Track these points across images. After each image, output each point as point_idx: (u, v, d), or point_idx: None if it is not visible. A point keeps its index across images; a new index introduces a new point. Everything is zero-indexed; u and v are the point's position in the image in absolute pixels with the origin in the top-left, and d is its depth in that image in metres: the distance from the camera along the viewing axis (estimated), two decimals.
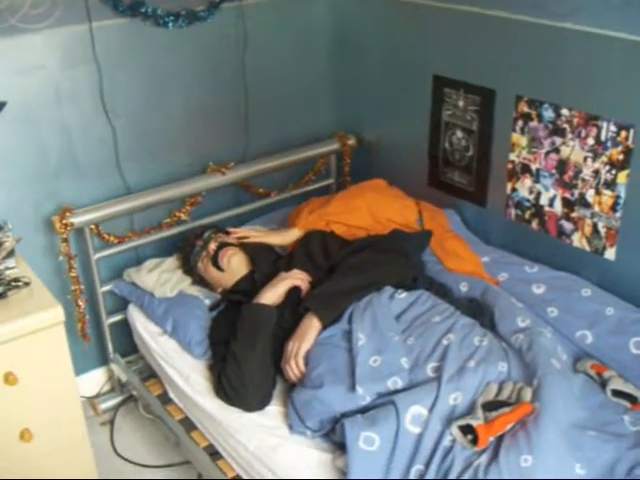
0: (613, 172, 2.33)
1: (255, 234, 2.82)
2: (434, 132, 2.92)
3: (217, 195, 3.07)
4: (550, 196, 2.55)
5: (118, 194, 2.88)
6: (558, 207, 2.54)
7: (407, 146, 3.10)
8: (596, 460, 1.86)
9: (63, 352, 2.24)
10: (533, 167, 2.57)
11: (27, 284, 2.25)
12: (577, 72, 2.35)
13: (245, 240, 2.77)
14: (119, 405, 3.11)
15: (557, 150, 2.47)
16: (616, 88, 2.26)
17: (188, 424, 2.59)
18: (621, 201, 2.34)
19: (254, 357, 2.28)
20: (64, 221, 2.64)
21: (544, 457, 1.81)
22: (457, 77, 2.74)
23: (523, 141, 2.57)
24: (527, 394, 1.96)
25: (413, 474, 1.89)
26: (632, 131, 2.24)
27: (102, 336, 3.01)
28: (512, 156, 2.63)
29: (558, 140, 2.46)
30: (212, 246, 2.69)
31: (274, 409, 2.30)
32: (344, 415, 2.04)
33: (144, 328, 2.77)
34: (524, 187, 2.62)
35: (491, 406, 1.95)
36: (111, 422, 3.06)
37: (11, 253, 2.33)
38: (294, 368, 2.22)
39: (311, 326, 2.25)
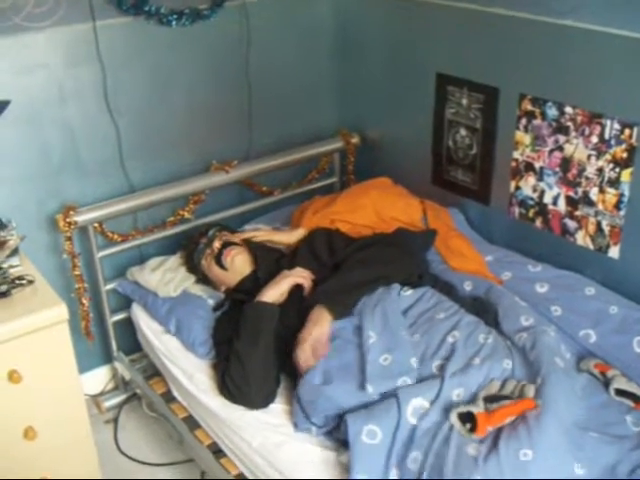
0: (617, 170, 2.33)
1: (261, 233, 2.83)
2: (437, 130, 2.92)
3: (220, 193, 3.08)
4: (554, 194, 2.55)
5: (122, 192, 2.88)
6: (562, 205, 2.54)
7: (411, 144, 3.10)
8: (596, 461, 1.86)
9: (67, 350, 2.23)
10: (537, 165, 2.57)
11: (31, 282, 2.26)
12: (581, 70, 2.34)
13: (251, 239, 2.77)
14: (123, 403, 3.11)
15: (561, 148, 2.47)
16: (620, 86, 2.26)
17: (192, 422, 2.59)
18: (625, 199, 2.34)
19: (257, 355, 2.28)
20: (68, 219, 2.64)
21: (544, 453, 1.81)
22: (460, 75, 2.74)
23: (527, 139, 2.57)
24: (530, 391, 1.96)
25: (410, 461, 1.89)
26: (636, 129, 2.24)
27: (106, 334, 3.01)
28: (516, 154, 2.63)
29: (562, 138, 2.46)
30: (216, 244, 2.68)
31: (278, 407, 2.30)
32: (348, 411, 2.04)
33: (148, 326, 2.77)
34: (528, 185, 2.62)
35: (492, 399, 1.96)
36: (115, 420, 3.06)
37: (15, 251, 2.33)
38: (306, 351, 2.20)
39: (321, 316, 2.25)
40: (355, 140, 3.28)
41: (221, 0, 2.84)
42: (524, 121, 2.55)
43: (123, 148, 2.86)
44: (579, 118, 2.38)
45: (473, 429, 1.89)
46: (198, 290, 2.76)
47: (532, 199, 2.63)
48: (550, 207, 2.58)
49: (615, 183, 2.34)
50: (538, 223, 2.64)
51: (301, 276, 2.47)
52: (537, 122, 2.51)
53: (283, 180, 3.27)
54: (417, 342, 2.18)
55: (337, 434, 2.09)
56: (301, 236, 2.77)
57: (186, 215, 3.01)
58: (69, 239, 2.68)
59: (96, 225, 2.78)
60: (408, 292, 2.35)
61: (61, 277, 2.83)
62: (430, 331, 2.20)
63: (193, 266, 2.77)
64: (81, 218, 2.68)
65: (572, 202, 2.50)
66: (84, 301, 2.83)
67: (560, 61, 2.39)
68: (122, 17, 2.69)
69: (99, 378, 3.16)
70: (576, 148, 2.42)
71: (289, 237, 2.79)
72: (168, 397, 2.73)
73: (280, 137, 3.24)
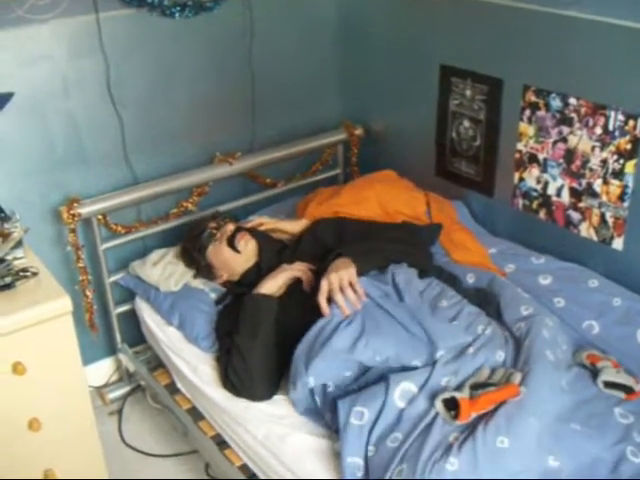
0: (621, 162, 2.32)
1: (266, 221, 2.82)
2: (441, 122, 2.91)
3: (224, 185, 3.07)
4: (558, 186, 2.54)
5: (125, 184, 2.88)
6: (566, 197, 2.53)
7: (414, 136, 3.10)
8: (575, 454, 1.84)
9: (71, 342, 2.24)
10: (540, 157, 2.56)
11: (35, 274, 2.26)
12: (585, 61, 2.34)
13: (258, 227, 2.77)
14: (127, 395, 3.12)
15: (565, 139, 2.47)
16: (624, 77, 2.25)
17: (196, 413, 2.60)
18: (629, 191, 2.33)
19: (257, 347, 2.29)
20: (72, 211, 2.64)
21: (520, 442, 1.80)
22: (464, 66, 2.73)
23: (530, 130, 2.56)
24: (516, 378, 1.95)
25: (390, 440, 1.89)
26: None
27: (110, 326, 3.02)
28: (519, 146, 2.62)
29: (566, 129, 2.45)
30: (230, 227, 2.67)
31: (282, 398, 2.29)
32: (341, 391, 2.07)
33: (151, 319, 2.77)
34: (531, 177, 2.62)
35: (479, 386, 1.96)
36: (119, 412, 3.07)
37: (19, 243, 2.33)
38: (350, 294, 2.17)
39: (348, 263, 2.24)
40: (359, 132, 3.27)
41: None
42: (528, 112, 2.55)
43: (126, 140, 2.86)
44: (583, 109, 2.37)
45: (457, 415, 1.88)
46: (199, 283, 2.75)
47: (536, 190, 2.62)
48: (554, 198, 2.57)
49: (619, 174, 2.34)
50: (542, 215, 2.63)
51: (299, 270, 2.47)
52: (541, 113, 2.51)
53: (287, 172, 3.27)
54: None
55: (334, 424, 2.09)
56: (306, 226, 2.77)
57: (190, 207, 3.01)
58: (73, 231, 2.69)
59: (100, 217, 2.78)
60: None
61: (65, 269, 2.84)
62: (431, 317, 2.21)
63: (192, 256, 2.72)
64: (85, 210, 2.68)
65: (576, 193, 2.49)
66: (88, 293, 2.83)
67: (564, 52, 2.38)
68: (125, 9, 2.68)
69: (103, 370, 3.17)
70: (580, 139, 2.42)
71: (294, 226, 2.79)
72: (172, 389, 2.73)
73: (284, 129, 3.24)
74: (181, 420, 2.67)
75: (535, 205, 2.64)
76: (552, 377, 1.98)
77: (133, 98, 2.82)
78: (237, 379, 2.30)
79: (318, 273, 2.41)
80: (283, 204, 3.19)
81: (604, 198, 2.41)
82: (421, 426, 1.89)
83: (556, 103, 2.45)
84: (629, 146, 2.28)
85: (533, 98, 2.51)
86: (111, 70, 2.72)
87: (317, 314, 2.21)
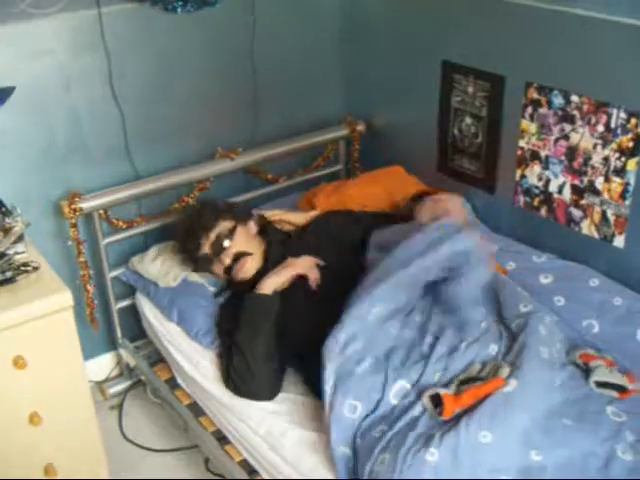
0: (623, 159, 2.32)
1: (276, 212, 2.80)
2: (443, 118, 2.91)
3: (226, 180, 3.07)
4: (559, 183, 2.54)
5: (127, 179, 2.88)
6: (567, 194, 2.53)
7: (416, 132, 3.09)
8: (565, 448, 1.84)
9: (72, 337, 2.24)
10: (542, 154, 2.56)
11: (36, 269, 2.26)
12: (587, 58, 2.33)
13: (269, 218, 2.74)
14: (127, 389, 3.12)
15: (566, 137, 2.46)
16: (626, 75, 2.25)
17: (196, 409, 2.60)
18: (630, 188, 2.33)
19: (258, 348, 2.27)
20: (73, 206, 2.64)
21: (503, 437, 1.80)
22: (466, 63, 2.73)
23: (532, 128, 2.56)
24: (504, 372, 1.95)
25: (376, 431, 1.90)
26: None
27: (111, 321, 3.02)
28: (521, 143, 2.62)
29: (567, 127, 2.45)
30: (227, 261, 2.51)
31: (283, 395, 2.31)
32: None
33: (152, 314, 2.77)
34: (533, 174, 2.62)
35: (467, 381, 1.96)
36: (119, 406, 3.08)
37: (20, 238, 2.33)
38: None
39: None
40: (360, 127, 3.27)
41: None
42: (530, 109, 2.55)
43: (128, 135, 2.86)
44: (585, 107, 2.37)
45: (442, 411, 1.88)
46: (198, 277, 2.74)
47: (537, 188, 2.62)
48: (555, 196, 2.57)
49: (621, 172, 2.34)
50: (543, 212, 2.63)
51: (304, 266, 2.42)
52: (543, 110, 2.50)
53: (288, 167, 3.26)
54: (416, 320, 2.19)
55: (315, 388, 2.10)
56: (312, 218, 2.75)
57: (191, 202, 3.00)
58: (74, 226, 2.69)
59: (101, 212, 2.78)
60: None
61: (66, 264, 2.84)
62: (426, 312, 2.21)
63: (190, 260, 2.67)
64: (86, 205, 2.68)
65: (577, 191, 2.49)
66: (89, 288, 2.83)
67: (566, 49, 2.38)
68: (127, 3, 2.68)
69: (104, 365, 3.18)
70: (582, 137, 2.42)
71: (301, 218, 2.77)
72: (172, 384, 2.74)
73: (285, 124, 3.24)
74: (181, 415, 2.68)
75: (537, 202, 2.64)
76: (544, 374, 1.98)
77: (135, 93, 2.82)
78: (239, 380, 2.30)
79: (325, 268, 2.40)
80: (284, 200, 3.18)
81: (606, 196, 2.41)
82: (406, 418, 1.90)
83: (558, 100, 2.45)
84: (631, 144, 2.28)
85: (535, 95, 2.51)
86: (113, 65, 2.72)
87: (321, 313, 2.19)
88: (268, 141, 3.13)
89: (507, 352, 2.08)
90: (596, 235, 2.48)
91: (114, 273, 2.92)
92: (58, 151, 2.73)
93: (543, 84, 2.48)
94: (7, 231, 2.30)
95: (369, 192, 2.80)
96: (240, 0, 2.92)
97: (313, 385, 2.26)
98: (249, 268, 2.52)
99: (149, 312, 2.79)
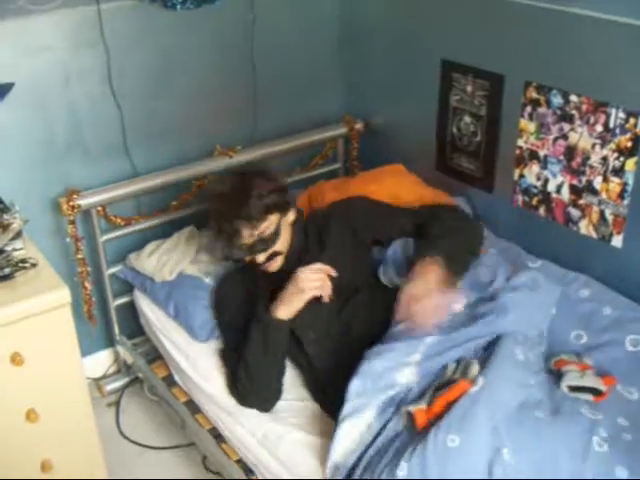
0: (621, 159, 2.32)
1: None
2: (442, 117, 2.91)
3: None
4: (558, 183, 2.54)
5: (125, 176, 2.88)
6: (565, 194, 2.53)
7: (415, 131, 3.09)
8: (537, 442, 1.79)
9: (69, 333, 2.24)
10: (541, 153, 2.56)
11: (34, 265, 2.26)
12: (586, 58, 2.33)
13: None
14: (125, 387, 3.12)
15: (565, 136, 2.46)
16: (626, 75, 2.25)
17: (193, 406, 2.60)
18: (629, 188, 2.33)
19: (266, 367, 2.25)
20: (71, 203, 2.64)
21: (471, 438, 1.76)
22: (466, 62, 2.73)
23: (531, 127, 2.56)
24: (473, 369, 1.93)
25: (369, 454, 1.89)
26: None
27: (108, 318, 3.02)
28: (520, 142, 2.62)
29: (566, 126, 2.45)
30: (261, 258, 2.33)
31: (282, 398, 2.31)
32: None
33: (150, 311, 2.77)
34: (532, 173, 2.62)
35: (441, 387, 1.92)
36: (117, 403, 3.08)
37: (18, 234, 2.33)
38: (428, 310, 2.04)
39: (434, 271, 2.09)
40: (359, 126, 3.27)
41: None
42: (529, 109, 2.55)
43: (127, 132, 2.86)
44: (584, 106, 2.37)
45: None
46: (195, 270, 2.74)
47: (536, 187, 2.62)
48: (554, 195, 2.57)
49: (619, 172, 2.34)
50: (541, 211, 2.63)
51: (315, 287, 2.23)
52: (542, 110, 2.50)
53: (287, 165, 3.26)
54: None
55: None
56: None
57: (190, 199, 3.00)
58: (72, 223, 2.69)
59: (99, 209, 2.78)
60: None
61: (64, 261, 2.84)
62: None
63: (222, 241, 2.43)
64: (84, 202, 2.68)
65: (576, 191, 2.49)
66: (87, 285, 2.84)
67: (566, 49, 2.38)
68: (127, 0, 2.68)
69: (101, 362, 3.18)
70: (581, 136, 2.42)
71: None
72: (170, 381, 2.74)
73: (284, 122, 3.24)
74: (178, 412, 2.68)
75: (535, 202, 2.64)
76: (516, 373, 1.94)
77: (134, 90, 2.82)
78: (245, 390, 2.29)
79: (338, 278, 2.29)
80: None
81: (604, 195, 2.41)
82: (390, 434, 1.89)
83: (557, 100, 2.45)
84: (629, 144, 2.28)
85: (534, 94, 2.51)
86: (112, 61, 2.72)
87: (331, 321, 2.21)
88: (267, 139, 3.13)
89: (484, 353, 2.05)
90: (594, 235, 2.48)
91: (112, 270, 2.91)
92: (57, 148, 2.73)
93: (542, 83, 2.48)
94: (5, 227, 2.30)
95: (370, 190, 2.80)
96: None
97: (314, 390, 2.29)
98: (278, 265, 2.38)
99: (146, 308, 2.79)
